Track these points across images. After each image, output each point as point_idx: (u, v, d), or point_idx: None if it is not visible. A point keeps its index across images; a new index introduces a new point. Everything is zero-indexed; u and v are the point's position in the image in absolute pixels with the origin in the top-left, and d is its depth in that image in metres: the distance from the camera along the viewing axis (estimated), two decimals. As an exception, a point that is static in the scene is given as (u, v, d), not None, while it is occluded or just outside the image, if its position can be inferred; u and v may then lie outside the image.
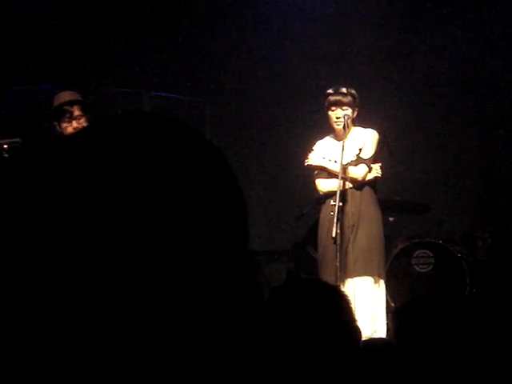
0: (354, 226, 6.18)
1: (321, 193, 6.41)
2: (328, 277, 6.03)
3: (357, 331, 2.32)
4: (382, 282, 6.26)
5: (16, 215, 0.83)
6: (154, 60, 8.71)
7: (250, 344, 0.90)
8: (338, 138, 6.34)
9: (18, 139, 5.70)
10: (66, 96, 6.09)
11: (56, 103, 6.09)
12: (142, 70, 8.62)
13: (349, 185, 6.24)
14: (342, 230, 6.04)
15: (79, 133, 0.89)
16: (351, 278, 6.09)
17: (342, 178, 6.16)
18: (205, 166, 0.89)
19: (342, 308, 2.30)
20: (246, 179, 8.92)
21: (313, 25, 8.83)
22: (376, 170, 6.34)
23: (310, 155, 6.45)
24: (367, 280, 6.16)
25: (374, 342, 2.66)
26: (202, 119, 8.61)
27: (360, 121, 6.42)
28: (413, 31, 8.80)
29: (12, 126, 7.11)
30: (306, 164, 6.47)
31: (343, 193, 6.15)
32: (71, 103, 5.90)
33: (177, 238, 0.84)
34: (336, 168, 6.23)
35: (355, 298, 6.02)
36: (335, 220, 5.98)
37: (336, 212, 6.00)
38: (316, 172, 6.44)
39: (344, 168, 6.19)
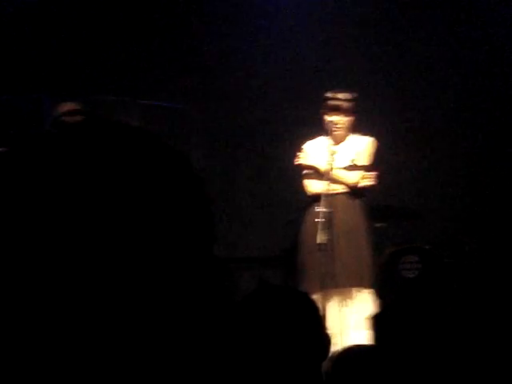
0: (342, 233, 6.03)
1: (309, 194, 6.22)
2: (312, 285, 5.87)
3: (326, 339, 2.33)
4: (367, 292, 6.12)
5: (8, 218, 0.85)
6: (142, 68, 8.70)
7: (216, 348, 0.91)
8: (333, 141, 6.18)
9: (2, 149, 5.67)
10: (66, 106, 6.09)
11: (57, 113, 6.08)
12: (130, 79, 8.61)
13: (338, 190, 6.11)
14: (328, 236, 5.88)
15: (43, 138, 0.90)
16: (338, 287, 5.97)
17: (330, 182, 6.02)
18: (164, 169, 0.89)
19: (311, 316, 2.31)
20: (233, 186, 8.92)
21: (306, 29, 8.83)
22: (370, 178, 6.23)
23: (300, 154, 6.28)
24: (355, 291, 6.05)
25: (351, 349, 2.67)
26: (190, 126, 8.60)
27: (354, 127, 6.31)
28: (409, 36, 8.81)
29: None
30: (295, 163, 6.29)
31: (330, 198, 5.99)
32: (72, 113, 5.89)
33: (139, 241, 0.85)
34: (326, 169, 6.07)
35: (341, 307, 5.96)
36: (321, 226, 5.84)
37: (323, 218, 5.87)
38: (305, 172, 6.27)
39: (333, 172, 6.06)
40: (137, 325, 0.84)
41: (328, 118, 6.18)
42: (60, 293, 0.83)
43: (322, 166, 6.17)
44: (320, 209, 5.96)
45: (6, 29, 8.30)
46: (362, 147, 6.26)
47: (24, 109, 7.92)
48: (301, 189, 6.35)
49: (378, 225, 7.73)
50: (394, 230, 8.02)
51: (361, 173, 6.18)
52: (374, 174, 6.24)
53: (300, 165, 6.31)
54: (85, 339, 0.83)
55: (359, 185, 6.19)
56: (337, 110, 6.15)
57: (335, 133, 6.18)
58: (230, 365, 2.13)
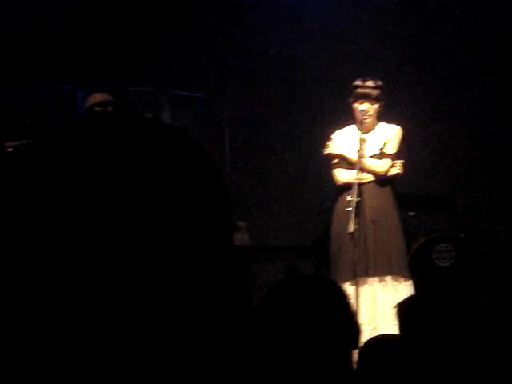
0: (373, 221, 6.03)
1: (339, 183, 6.22)
2: (344, 273, 5.93)
3: (356, 329, 2.31)
4: (403, 281, 6.08)
5: (13, 214, 0.84)
6: (172, 58, 8.72)
7: (241, 341, 0.90)
8: (362, 130, 6.16)
9: (25, 142, 5.71)
10: (97, 97, 6.15)
11: (88, 104, 6.14)
12: (160, 69, 8.64)
13: (367, 179, 6.11)
14: (360, 225, 5.88)
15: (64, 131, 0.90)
16: (370, 276, 5.97)
17: (361, 171, 6.04)
18: (184, 164, 0.89)
19: (340, 305, 2.30)
20: (265, 176, 8.92)
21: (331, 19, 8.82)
22: (399, 166, 6.20)
23: (329, 143, 6.28)
24: (387, 279, 6.03)
25: (379, 339, 2.65)
26: (221, 117, 8.61)
27: (380, 115, 6.30)
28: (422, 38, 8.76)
29: (30, 129, 7.16)
30: (324, 153, 6.30)
31: (361, 187, 6.00)
32: (103, 104, 5.93)
33: (158, 236, 0.84)
34: (356, 158, 6.07)
35: (375, 296, 5.95)
36: (353, 215, 5.84)
37: (354, 207, 5.86)
38: (334, 161, 6.26)
39: (363, 161, 6.07)
40: (152, 320, 0.83)
41: (358, 106, 6.16)
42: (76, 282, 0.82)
43: (352, 155, 6.16)
44: (350, 198, 5.97)
45: (40, 20, 8.35)
46: (389, 135, 6.25)
47: (57, 100, 7.98)
48: (331, 178, 6.35)
49: (411, 213, 7.71)
50: (428, 218, 7.98)
51: (389, 161, 6.17)
52: (401, 162, 6.21)
53: (329, 154, 6.30)
54: (95, 336, 0.83)
55: (388, 173, 6.17)
56: (366, 97, 6.14)
57: (366, 121, 6.16)
58: (259, 356, 2.13)
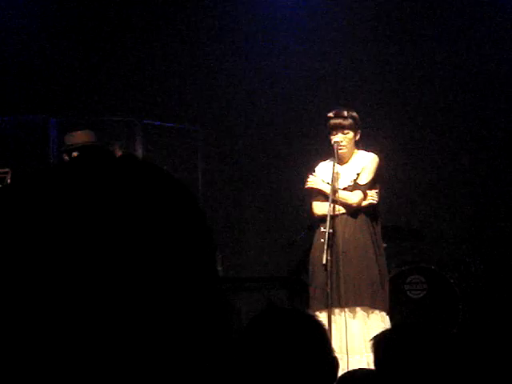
0: (344, 253, 6.02)
1: (315, 215, 6.26)
2: (318, 304, 5.96)
3: (333, 362, 2.31)
4: (374, 313, 6.04)
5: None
6: (146, 88, 8.74)
7: (218, 371, 0.91)
8: (336, 161, 6.17)
9: (7, 169, 5.69)
10: (80, 137, 6.05)
11: (69, 142, 6.05)
12: (134, 99, 8.65)
13: (340, 210, 6.11)
14: (332, 256, 5.92)
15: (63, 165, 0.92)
16: (342, 307, 5.96)
17: (333, 203, 6.05)
18: (168, 201, 0.90)
19: (318, 338, 2.30)
20: (239, 207, 8.92)
21: (310, 46, 8.88)
22: (372, 197, 6.22)
23: (311, 177, 6.31)
24: (357, 310, 6.01)
25: (354, 373, 2.65)
26: (194, 147, 8.62)
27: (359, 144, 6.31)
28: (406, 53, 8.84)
29: (3, 157, 7.12)
30: (306, 186, 6.32)
31: (334, 219, 6.02)
32: (83, 147, 5.88)
33: (143, 272, 0.86)
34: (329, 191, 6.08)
35: (347, 328, 5.94)
36: (325, 247, 5.86)
37: (326, 239, 5.89)
38: (313, 194, 6.29)
39: (335, 192, 6.09)
40: (138, 344, 0.85)
41: (333, 137, 6.20)
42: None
43: (327, 188, 6.19)
44: (323, 229, 6.00)
45: (14, 49, 8.34)
46: (364, 164, 6.27)
47: (30, 129, 7.95)
48: (305, 209, 6.38)
49: (383, 245, 7.72)
50: (400, 250, 8.01)
51: (361, 193, 6.18)
52: (374, 192, 6.23)
53: (311, 188, 6.34)
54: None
55: (361, 204, 6.18)
56: (339, 128, 6.18)
57: (340, 151, 6.19)
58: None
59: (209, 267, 0.92)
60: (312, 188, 6.31)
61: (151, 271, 0.86)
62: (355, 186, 6.20)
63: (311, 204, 6.33)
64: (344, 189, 6.18)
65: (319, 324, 2.38)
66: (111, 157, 0.92)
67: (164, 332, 0.86)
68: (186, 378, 0.88)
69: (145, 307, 0.85)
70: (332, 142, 6.19)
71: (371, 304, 6.06)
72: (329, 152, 6.35)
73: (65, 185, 0.88)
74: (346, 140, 6.19)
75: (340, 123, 6.15)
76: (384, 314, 6.10)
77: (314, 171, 6.37)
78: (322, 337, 2.31)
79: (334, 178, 6.15)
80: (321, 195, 6.26)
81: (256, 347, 2.23)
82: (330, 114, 6.22)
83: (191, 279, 0.89)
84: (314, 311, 5.76)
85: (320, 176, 6.33)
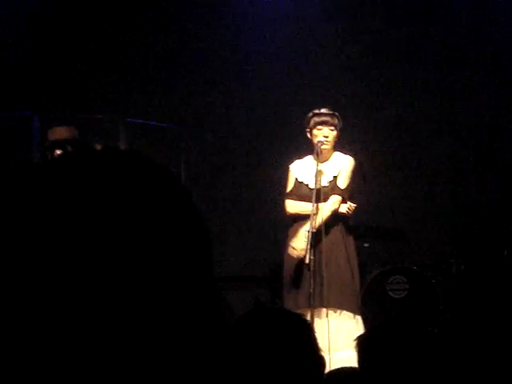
0: (326, 254, 6.07)
1: (288, 214, 6.32)
2: (300, 302, 6.00)
3: (321, 361, 2.32)
4: (357, 317, 6.17)
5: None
6: (129, 87, 8.73)
7: (210, 370, 0.91)
8: (318, 160, 6.23)
9: None
10: (61, 133, 6.02)
11: (51, 138, 6.02)
12: (117, 97, 8.63)
13: (323, 211, 6.14)
14: (315, 256, 5.95)
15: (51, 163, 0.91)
16: (325, 307, 6.02)
17: (316, 203, 6.07)
18: (154, 188, 0.90)
19: (305, 337, 2.30)
20: (222, 206, 8.93)
21: (297, 47, 8.90)
22: (349, 208, 6.26)
23: (287, 201, 6.33)
24: (341, 313, 6.10)
25: (339, 372, 2.65)
26: (176, 146, 8.61)
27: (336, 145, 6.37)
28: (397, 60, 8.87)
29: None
30: (286, 213, 6.33)
31: (317, 219, 6.03)
32: (66, 143, 5.85)
33: (140, 268, 0.85)
34: (309, 210, 6.06)
35: (329, 327, 5.97)
36: (309, 246, 5.89)
37: (309, 238, 5.92)
38: (287, 192, 6.36)
39: (318, 193, 6.11)
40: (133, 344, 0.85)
41: (317, 132, 6.22)
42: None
43: (307, 207, 6.17)
44: (307, 229, 5.99)
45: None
46: (341, 167, 6.31)
47: (13, 126, 7.92)
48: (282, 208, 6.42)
49: (365, 245, 7.75)
50: (381, 250, 8.04)
51: (339, 198, 6.23)
52: (353, 206, 6.26)
53: (286, 186, 6.39)
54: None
55: (339, 210, 6.22)
56: (325, 123, 6.24)
57: (323, 147, 6.21)
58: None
59: (204, 263, 0.92)
60: (286, 186, 6.35)
61: (146, 268, 0.86)
62: (334, 189, 6.23)
63: (284, 202, 6.39)
64: (323, 187, 6.19)
65: (306, 323, 2.38)
66: (95, 152, 0.92)
67: (159, 329, 0.86)
68: (182, 375, 0.88)
69: (140, 304, 0.85)
70: (315, 139, 6.23)
71: (353, 308, 6.17)
72: (307, 150, 6.38)
73: (54, 184, 0.88)
74: (331, 136, 6.24)
75: (328, 120, 6.23)
76: (359, 317, 6.21)
77: (289, 169, 6.42)
78: (309, 336, 2.31)
79: (317, 176, 6.18)
80: (293, 193, 6.32)
81: (243, 346, 2.24)
82: (316, 111, 6.29)
83: (186, 275, 0.89)
84: (296, 310, 5.77)
85: (296, 174, 6.37)
